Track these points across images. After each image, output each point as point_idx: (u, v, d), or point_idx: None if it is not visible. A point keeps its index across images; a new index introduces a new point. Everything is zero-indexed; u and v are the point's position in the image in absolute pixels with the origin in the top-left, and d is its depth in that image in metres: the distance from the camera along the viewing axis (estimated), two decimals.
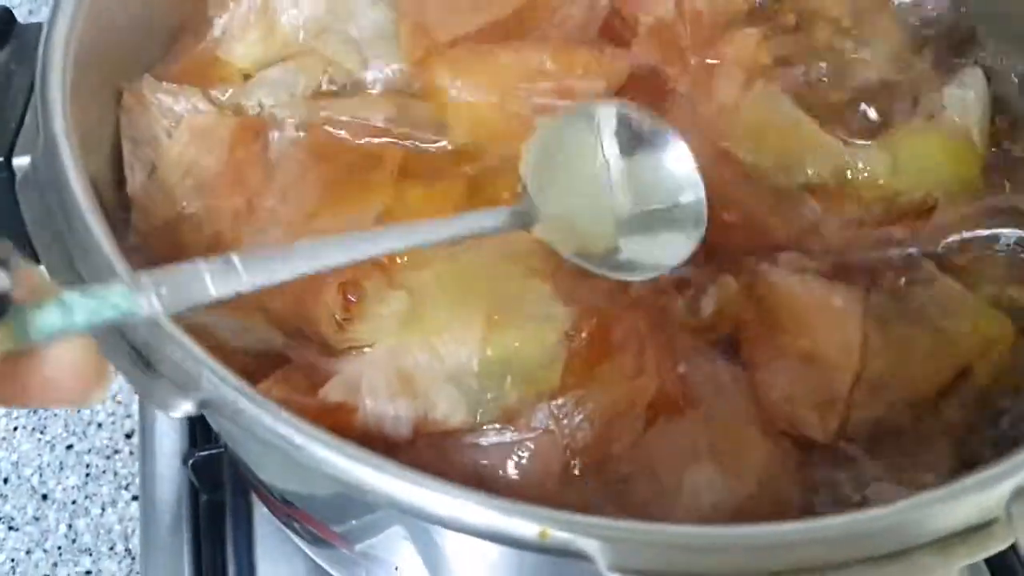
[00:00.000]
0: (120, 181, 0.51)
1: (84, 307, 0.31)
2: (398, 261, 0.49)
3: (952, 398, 0.48)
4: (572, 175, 0.48)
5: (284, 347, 0.47)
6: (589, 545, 0.33)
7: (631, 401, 0.46)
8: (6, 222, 0.48)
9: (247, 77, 0.58)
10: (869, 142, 0.56)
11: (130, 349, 0.36)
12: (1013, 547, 0.69)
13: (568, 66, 0.56)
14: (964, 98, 0.56)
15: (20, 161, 0.46)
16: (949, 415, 0.47)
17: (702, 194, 0.48)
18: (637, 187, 0.48)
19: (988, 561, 0.73)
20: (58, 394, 0.32)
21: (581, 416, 0.45)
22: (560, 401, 0.45)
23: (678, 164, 0.49)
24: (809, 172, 0.55)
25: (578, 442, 0.44)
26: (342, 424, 0.40)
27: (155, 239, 0.49)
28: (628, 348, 0.47)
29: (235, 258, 0.35)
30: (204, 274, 0.34)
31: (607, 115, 0.49)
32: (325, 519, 0.47)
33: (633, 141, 0.49)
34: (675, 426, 0.46)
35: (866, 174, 0.55)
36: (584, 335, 0.47)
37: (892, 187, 0.55)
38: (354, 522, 0.45)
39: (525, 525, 0.33)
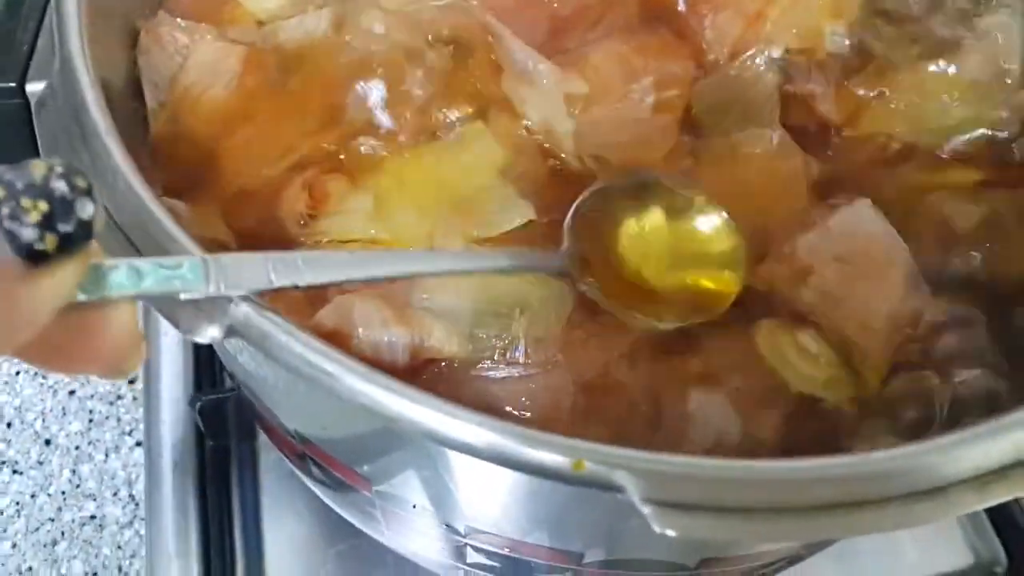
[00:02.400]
0: (136, 109, 0.50)
1: (155, 275, 0.33)
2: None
3: None
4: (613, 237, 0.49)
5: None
6: (624, 477, 0.32)
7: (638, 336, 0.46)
8: (18, 150, 0.48)
9: (260, 24, 0.57)
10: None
11: None
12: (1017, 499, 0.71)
13: (651, 54, 0.55)
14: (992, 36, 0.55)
15: (33, 87, 0.45)
16: None
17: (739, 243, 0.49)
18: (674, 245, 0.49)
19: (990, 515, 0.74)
20: (93, 361, 0.32)
21: (589, 350, 0.45)
22: (567, 335, 0.45)
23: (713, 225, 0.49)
24: None
25: (586, 375, 0.45)
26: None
27: (175, 176, 0.49)
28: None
29: (299, 257, 0.37)
30: (267, 265, 0.36)
31: (647, 183, 0.50)
32: (346, 459, 0.47)
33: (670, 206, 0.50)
34: (678, 358, 0.46)
35: None
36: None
37: None
38: (376, 460, 0.45)
39: (561, 457, 0.33)
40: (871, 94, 0.56)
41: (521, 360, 0.44)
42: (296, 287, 0.36)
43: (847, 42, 0.57)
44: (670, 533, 0.32)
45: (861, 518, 0.33)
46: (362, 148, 0.50)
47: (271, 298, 0.37)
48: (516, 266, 0.45)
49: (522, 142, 0.52)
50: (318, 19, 0.53)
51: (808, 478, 0.34)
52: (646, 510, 0.32)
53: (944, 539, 0.73)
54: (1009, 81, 0.54)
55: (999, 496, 0.34)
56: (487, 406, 0.43)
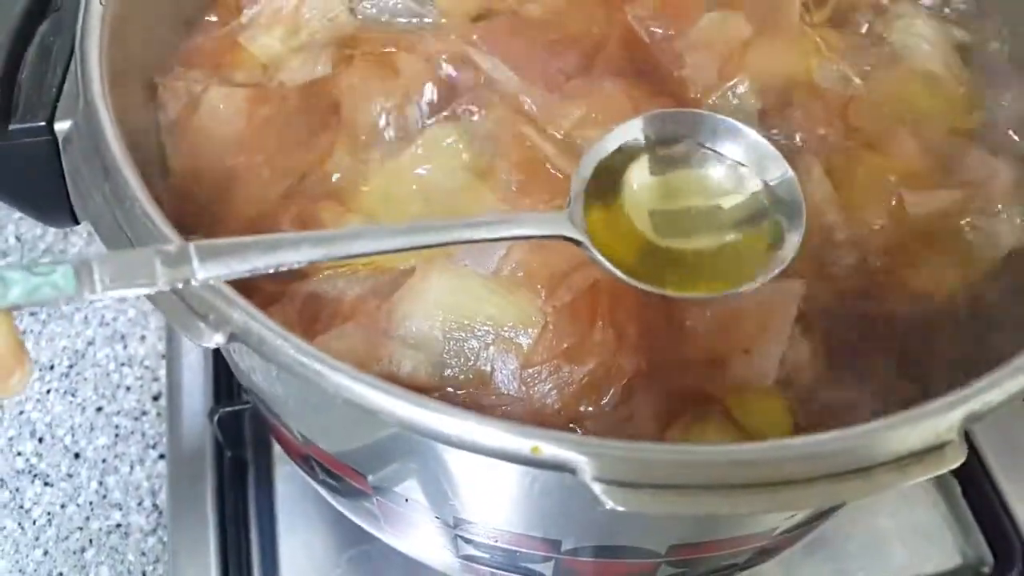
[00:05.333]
0: (155, 155, 0.55)
1: (23, 284, 0.32)
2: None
3: None
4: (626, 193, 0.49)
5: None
6: (576, 459, 0.36)
7: (607, 376, 0.48)
8: (48, 183, 0.52)
9: (263, 66, 0.61)
10: None
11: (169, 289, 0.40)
12: (977, 454, 0.73)
13: (645, 89, 0.58)
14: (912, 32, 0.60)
15: (61, 126, 0.50)
16: None
17: (788, 172, 0.48)
18: (699, 190, 0.49)
19: (977, 518, 0.77)
20: None
21: (553, 386, 0.47)
22: (533, 370, 0.48)
23: (744, 148, 0.49)
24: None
25: (548, 411, 0.47)
26: None
27: (193, 213, 0.53)
28: (611, 320, 0.49)
29: (191, 247, 0.37)
30: (155, 262, 0.36)
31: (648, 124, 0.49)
32: (343, 456, 0.51)
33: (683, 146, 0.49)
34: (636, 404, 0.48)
35: None
36: (567, 300, 0.49)
37: None
38: (369, 455, 0.49)
39: (520, 441, 0.37)
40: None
41: (487, 392, 0.47)
42: (190, 283, 0.37)
43: (834, 74, 0.61)
44: (618, 508, 0.36)
45: (787, 495, 0.37)
46: (346, 168, 0.54)
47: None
48: (499, 234, 0.44)
49: (494, 134, 0.55)
50: (316, 62, 0.58)
51: (741, 460, 0.37)
52: (596, 488, 0.36)
53: (933, 541, 0.76)
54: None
55: (917, 476, 0.38)
56: None
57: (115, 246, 0.42)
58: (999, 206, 0.55)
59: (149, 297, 0.40)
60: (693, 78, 0.60)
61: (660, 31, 0.61)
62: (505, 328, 0.48)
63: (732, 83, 0.59)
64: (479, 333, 0.48)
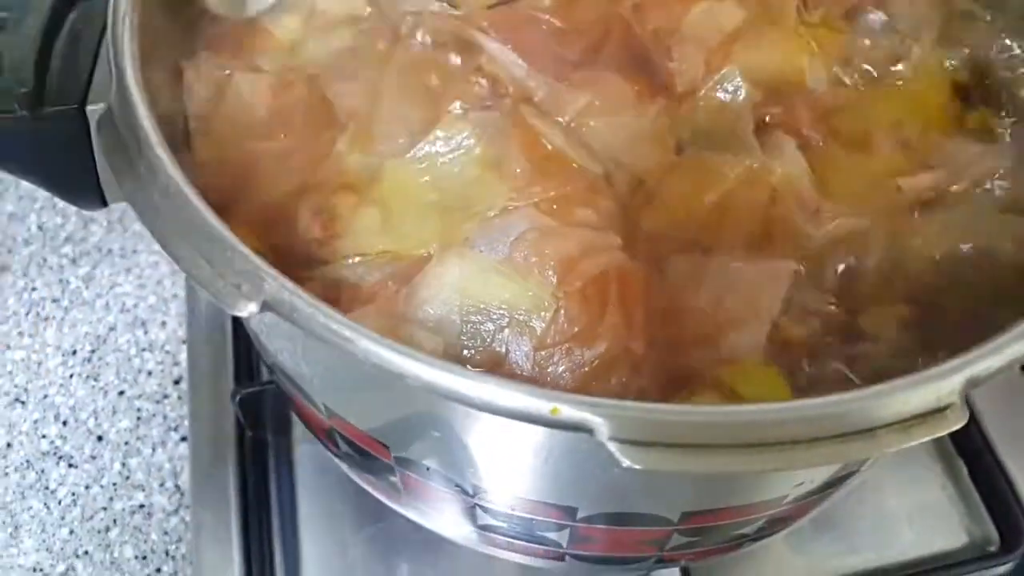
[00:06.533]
0: (181, 138, 0.57)
1: None
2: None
3: None
4: None
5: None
6: (593, 420, 0.38)
7: (616, 358, 0.49)
8: (79, 166, 0.54)
9: (286, 50, 0.62)
10: None
11: (204, 261, 0.42)
12: (984, 435, 0.75)
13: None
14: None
15: (93, 108, 0.52)
16: None
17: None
18: None
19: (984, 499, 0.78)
20: None
21: (565, 368, 0.48)
22: (545, 352, 0.49)
23: None
24: None
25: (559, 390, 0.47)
26: None
27: (216, 197, 0.54)
28: (620, 305, 0.50)
29: None
30: None
31: None
32: (366, 425, 0.53)
33: None
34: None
35: None
36: (577, 286, 0.50)
37: None
38: (392, 423, 0.50)
39: (539, 403, 0.39)
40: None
41: (502, 372, 0.48)
42: None
43: (824, 76, 0.61)
44: (634, 466, 0.38)
45: (796, 454, 0.38)
46: (361, 159, 0.55)
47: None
48: None
49: (505, 127, 0.56)
50: (333, 45, 0.60)
51: (751, 421, 0.39)
52: (612, 447, 0.38)
53: (940, 520, 0.77)
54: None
55: (919, 437, 0.40)
56: None
57: (150, 224, 0.44)
58: (977, 183, 0.56)
59: (184, 268, 0.42)
60: (681, 71, 0.60)
61: (652, 23, 0.62)
62: (519, 312, 0.49)
63: (719, 77, 0.59)
64: (494, 316, 0.49)
